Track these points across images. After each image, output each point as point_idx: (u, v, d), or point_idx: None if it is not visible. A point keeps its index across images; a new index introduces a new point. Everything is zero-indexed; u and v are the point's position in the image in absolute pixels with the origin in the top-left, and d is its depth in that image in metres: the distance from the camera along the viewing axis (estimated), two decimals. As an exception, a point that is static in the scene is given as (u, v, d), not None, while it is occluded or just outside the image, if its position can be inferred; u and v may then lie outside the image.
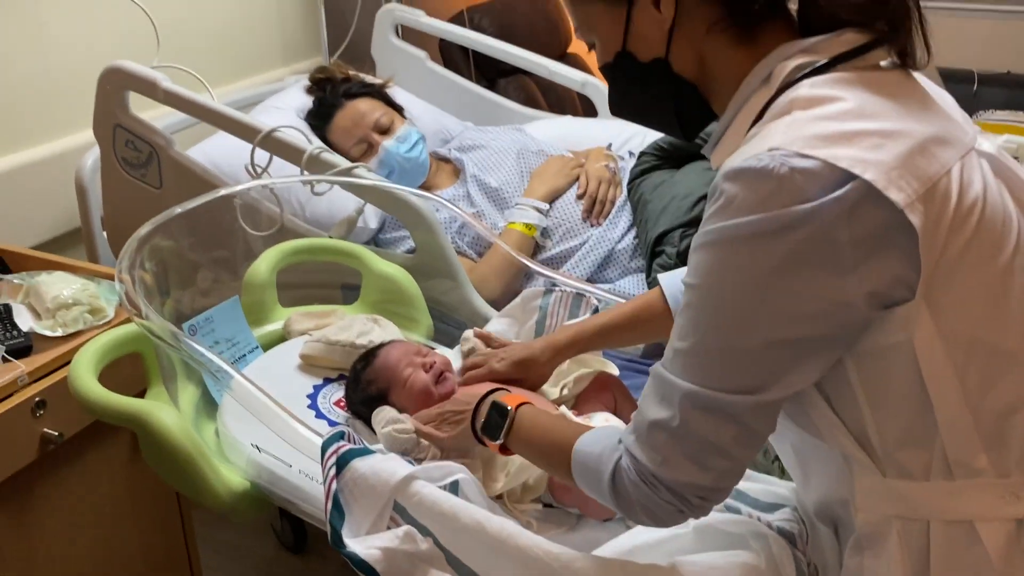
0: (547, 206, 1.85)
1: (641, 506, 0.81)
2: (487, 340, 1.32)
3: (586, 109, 2.54)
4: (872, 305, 0.74)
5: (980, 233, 0.76)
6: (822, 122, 0.74)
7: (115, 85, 1.68)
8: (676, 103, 0.92)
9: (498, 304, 1.63)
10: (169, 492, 1.62)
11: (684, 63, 0.89)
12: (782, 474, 1.12)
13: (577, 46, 3.40)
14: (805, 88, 0.78)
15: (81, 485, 1.47)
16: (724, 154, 0.82)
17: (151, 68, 1.70)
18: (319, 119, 2.03)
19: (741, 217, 0.73)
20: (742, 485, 1.03)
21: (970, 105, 3.11)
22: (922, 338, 0.75)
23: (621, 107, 0.98)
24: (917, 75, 0.84)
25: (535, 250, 1.83)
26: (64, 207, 1.93)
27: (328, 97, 2.05)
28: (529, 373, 1.22)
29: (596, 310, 1.38)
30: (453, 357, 1.33)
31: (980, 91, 3.13)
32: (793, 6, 0.86)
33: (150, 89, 1.66)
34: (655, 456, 0.79)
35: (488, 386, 1.09)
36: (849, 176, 0.71)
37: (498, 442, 0.99)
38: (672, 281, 1.16)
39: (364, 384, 1.26)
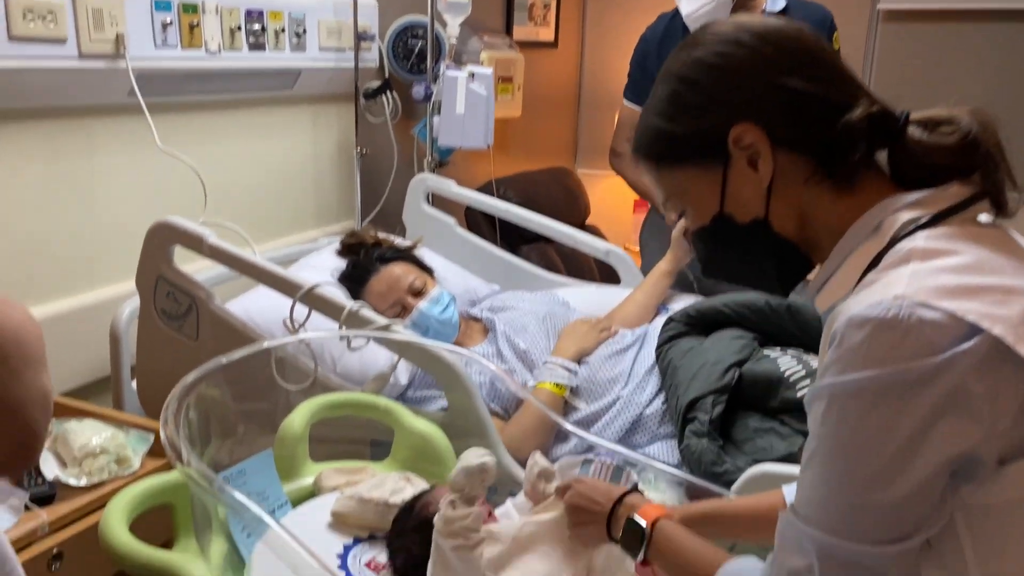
0: (576, 366, 1.86)
1: None
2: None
3: (604, 277, 2.61)
4: (996, 457, 0.73)
5: None
6: (944, 274, 0.75)
7: (163, 239, 1.74)
8: (777, 262, 0.91)
9: (529, 465, 1.60)
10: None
11: (784, 221, 0.89)
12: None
13: (595, 218, 3.54)
14: (921, 240, 0.79)
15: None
16: (830, 299, 0.82)
17: (198, 224, 1.77)
18: (354, 282, 2.07)
19: (871, 370, 0.73)
20: None
21: None
22: None
23: (717, 269, 0.97)
24: (1013, 233, 0.85)
25: (565, 410, 1.82)
26: (96, 356, 1.94)
27: (363, 261, 2.11)
28: None
29: (636, 485, 1.35)
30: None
31: None
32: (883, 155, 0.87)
33: (197, 244, 1.71)
34: None
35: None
36: (977, 330, 0.71)
37: (639, 559, 1.01)
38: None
39: (413, 508, 1.29)
